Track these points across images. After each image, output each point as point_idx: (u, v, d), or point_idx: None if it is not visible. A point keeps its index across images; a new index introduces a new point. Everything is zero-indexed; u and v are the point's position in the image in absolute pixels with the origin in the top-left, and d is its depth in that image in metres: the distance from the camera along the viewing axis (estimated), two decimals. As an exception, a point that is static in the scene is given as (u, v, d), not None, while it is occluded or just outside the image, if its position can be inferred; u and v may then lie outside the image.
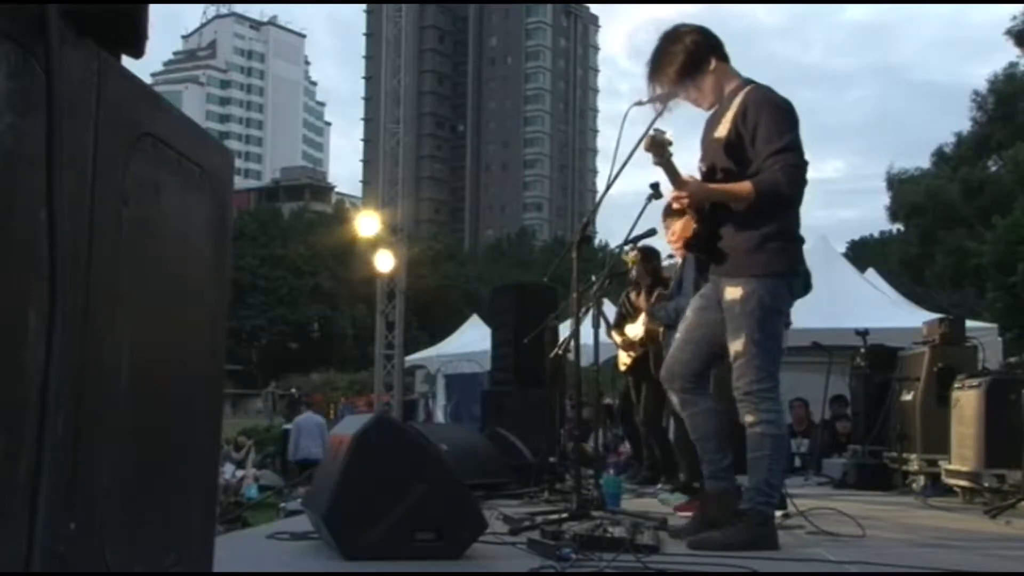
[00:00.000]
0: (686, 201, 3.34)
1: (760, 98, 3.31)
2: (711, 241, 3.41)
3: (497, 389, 8.28)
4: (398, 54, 16.95)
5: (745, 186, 3.26)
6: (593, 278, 5.21)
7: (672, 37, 3.41)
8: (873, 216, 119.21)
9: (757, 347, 3.31)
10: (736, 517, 3.32)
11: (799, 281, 3.46)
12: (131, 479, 1.23)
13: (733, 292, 3.34)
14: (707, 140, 3.48)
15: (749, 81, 3.43)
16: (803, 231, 3.50)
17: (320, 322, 48.27)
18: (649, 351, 6.21)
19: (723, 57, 3.45)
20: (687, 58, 3.37)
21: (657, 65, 3.39)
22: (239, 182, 73.73)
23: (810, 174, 3.36)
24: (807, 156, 3.37)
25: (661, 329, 5.81)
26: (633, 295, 6.60)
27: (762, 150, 3.26)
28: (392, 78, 16.71)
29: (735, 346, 3.35)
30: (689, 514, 4.26)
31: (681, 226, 3.56)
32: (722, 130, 3.35)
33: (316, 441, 13.08)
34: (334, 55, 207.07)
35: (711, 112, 3.51)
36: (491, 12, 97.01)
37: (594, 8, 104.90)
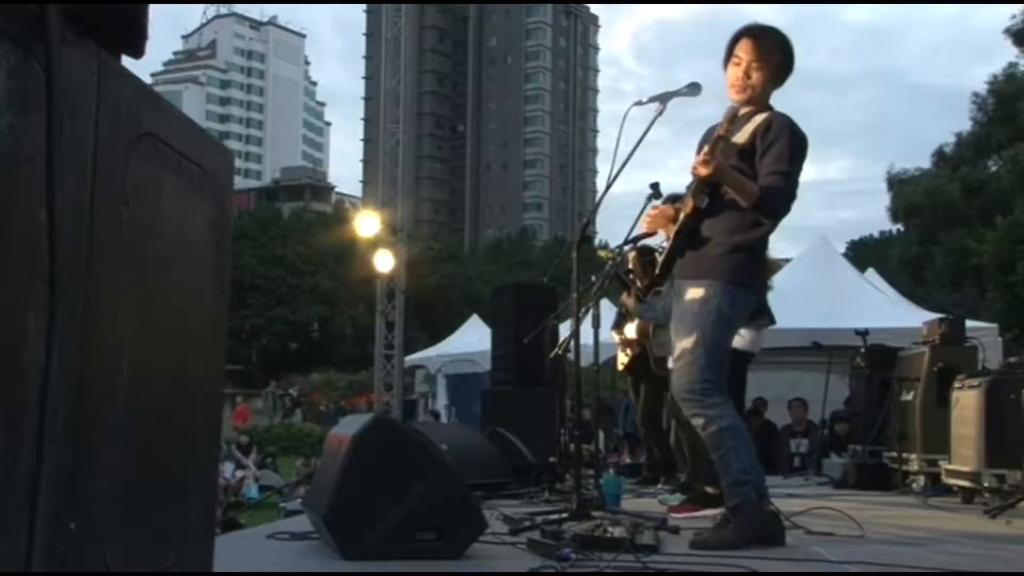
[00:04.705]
0: (708, 169, 3.32)
1: (785, 123, 3.43)
2: (695, 233, 3.48)
3: (497, 389, 8.27)
4: (398, 54, 16.94)
5: (754, 186, 3.35)
6: (593, 278, 5.21)
7: (785, 39, 3.54)
8: (873, 216, 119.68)
9: (706, 348, 3.35)
10: (730, 514, 3.33)
11: (755, 297, 3.66)
12: (131, 479, 1.23)
13: (694, 292, 3.42)
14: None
15: (772, 108, 3.54)
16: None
17: (320, 322, 48.20)
18: (646, 350, 6.22)
19: (782, 84, 3.59)
20: (785, 60, 3.51)
21: (762, 40, 3.47)
22: (239, 182, 73.58)
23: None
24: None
25: (651, 327, 5.85)
26: (623, 295, 6.60)
27: (768, 166, 3.37)
28: (392, 78, 16.70)
29: (684, 343, 3.40)
30: (682, 515, 4.26)
31: (676, 207, 3.60)
32: (741, 137, 3.43)
33: None
34: (338, 55, 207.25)
35: (716, 125, 3.59)
36: (491, 12, 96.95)
37: (595, 8, 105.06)
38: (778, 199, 3.38)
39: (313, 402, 31.58)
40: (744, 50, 3.47)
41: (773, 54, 3.48)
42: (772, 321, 5.27)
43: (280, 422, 25.30)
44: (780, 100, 3.59)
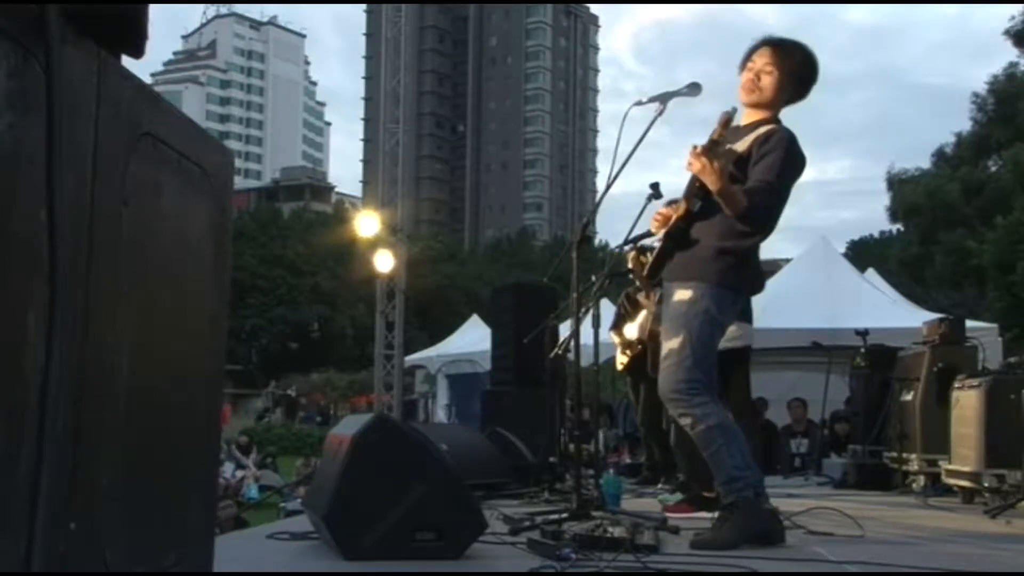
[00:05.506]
0: (700, 163, 3.28)
1: (784, 138, 3.42)
2: (685, 235, 3.48)
3: (497, 389, 8.27)
4: (398, 54, 16.95)
5: (743, 198, 3.30)
6: (593, 278, 5.21)
7: (806, 54, 3.55)
8: (873, 216, 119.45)
9: (693, 349, 3.36)
10: (727, 513, 3.33)
11: (743, 300, 3.71)
12: (131, 479, 1.23)
13: (682, 294, 3.44)
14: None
15: (780, 122, 3.54)
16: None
17: (320, 322, 48.21)
18: (648, 350, 6.21)
19: (798, 99, 3.58)
20: (798, 71, 3.51)
21: (779, 49, 3.50)
22: (239, 182, 73.58)
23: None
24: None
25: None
26: (641, 296, 6.59)
27: (756, 174, 3.36)
28: (392, 78, 16.70)
29: (671, 344, 3.41)
30: (676, 515, 4.26)
31: (673, 209, 3.60)
32: (741, 146, 3.42)
33: None
34: (338, 55, 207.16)
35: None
36: (491, 12, 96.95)
37: (595, 8, 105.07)
38: (760, 208, 3.33)
39: (309, 403, 31.60)
40: (760, 55, 3.49)
41: (787, 62, 3.48)
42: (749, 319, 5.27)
43: (257, 423, 25.25)
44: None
